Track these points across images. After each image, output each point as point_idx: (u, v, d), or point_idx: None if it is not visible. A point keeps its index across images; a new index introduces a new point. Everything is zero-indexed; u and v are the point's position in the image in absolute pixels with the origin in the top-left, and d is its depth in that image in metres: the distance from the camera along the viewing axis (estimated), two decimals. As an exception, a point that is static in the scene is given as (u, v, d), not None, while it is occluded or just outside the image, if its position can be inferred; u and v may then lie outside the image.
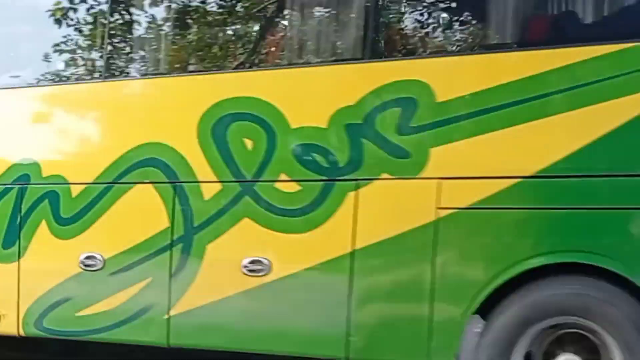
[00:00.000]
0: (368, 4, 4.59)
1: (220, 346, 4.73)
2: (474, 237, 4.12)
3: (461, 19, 4.78)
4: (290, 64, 4.90)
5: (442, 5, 4.95)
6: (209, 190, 4.73)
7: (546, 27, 4.46)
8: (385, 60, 4.60)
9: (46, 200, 5.21)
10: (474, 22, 4.77)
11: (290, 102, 4.61)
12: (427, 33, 4.80)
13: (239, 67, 5.19)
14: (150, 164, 4.91)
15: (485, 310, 4.03)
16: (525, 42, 4.33)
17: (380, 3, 4.70)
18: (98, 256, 5.00)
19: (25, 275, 5.26)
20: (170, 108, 5.03)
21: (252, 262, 4.54)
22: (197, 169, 4.77)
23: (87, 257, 5.02)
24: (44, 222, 5.19)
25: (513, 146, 4.08)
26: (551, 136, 4.01)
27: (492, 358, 3.95)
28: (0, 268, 5.36)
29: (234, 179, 4.67)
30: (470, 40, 4.73)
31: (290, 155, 4.54)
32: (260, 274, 4.53)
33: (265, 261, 4.52)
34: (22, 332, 5.28)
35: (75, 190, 5.14)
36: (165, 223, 4.81)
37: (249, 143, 4.65)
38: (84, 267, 5.04)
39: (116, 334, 4.97)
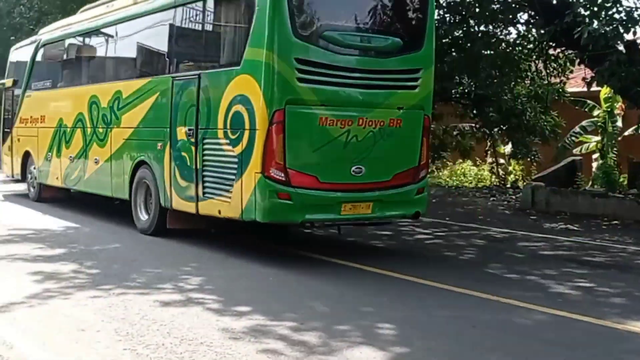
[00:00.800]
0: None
1: (92, 192, 12.37)
2: (128, 152, 10.91)
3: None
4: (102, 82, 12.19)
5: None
6: (87, 131, 12.20)
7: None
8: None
9: (62, 134, 13.22)
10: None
11: (102, 95, 11.75)
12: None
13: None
14: (79, 119, 12.55)
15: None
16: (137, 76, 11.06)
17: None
18: (72, 156, 12.86)
19: (64, 165, 13.31)
20: (82, 98, 12.52)
21: (95, 159, 11.93)
22: (87, 121, 12.23)
23: (70, 156, 12.94)
24: (63, 143, 13.23)
25: (135, 116, 10.75)
26: (139, 113, 10.69)
27: (137, 191, 10.65)
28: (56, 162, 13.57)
29: (91, 126, 12.07)
30: (131, 72, 11.43)
31: (101, 117, 11.74)
32: (97, 163, 11.89)
33: (97, 158, 11.86)
34: (62, 185, 13.46)
35: (69, 130, 13.04)
36: (82, 145, 12.44)
37: (95, 111, 11.98)
38: (69, 161, 12.96)
39: (81, 187, 12.79)
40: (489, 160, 22.13)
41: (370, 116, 8.45)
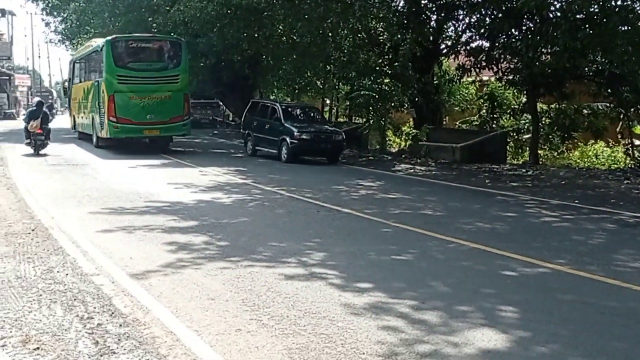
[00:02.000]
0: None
1: (86, 132, 25.11)
2: (90, 113, 23.62)
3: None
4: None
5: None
6: (84, 104, 24.91)
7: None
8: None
9: (79, 106, 26.34)
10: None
11: (85, 87, 24.58)
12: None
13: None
14: (82, 98, 25.20)
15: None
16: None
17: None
18: (82, 116, 25.66)
19: (80, 121, 26.58)
20: (82, 89, 25.42)
21: (86, 117, 24.73)
22: (83, 99, 25.03)
23: (81, 116, 26.10)
24: (79, 111, 26.50)
25: (91, 97, 22.77)
26: (91, 96, 23.46)
27: (93, 129, 23.28)
28: (79, 120, 27.12)
29: (84, 102, 24.65)
30: (88, 77, 25.16)
31: (85, 97, 24.48)
32: (86, 119, 24.59)
33: (86, 117, 24.35)
34: (82, 130, 26.03)
35: (81, 104, 25.74)
36: (83, 111, 25.21)
37: (85, 95, 24.44)
38: (81, 119, 26.28)
39: (85, 130, 25.26)
40: (624, 141, 21.13)
41: (154, 95, 20.87)
